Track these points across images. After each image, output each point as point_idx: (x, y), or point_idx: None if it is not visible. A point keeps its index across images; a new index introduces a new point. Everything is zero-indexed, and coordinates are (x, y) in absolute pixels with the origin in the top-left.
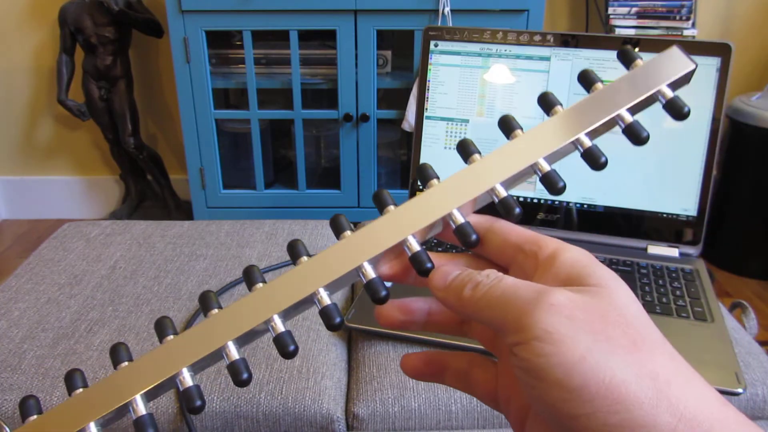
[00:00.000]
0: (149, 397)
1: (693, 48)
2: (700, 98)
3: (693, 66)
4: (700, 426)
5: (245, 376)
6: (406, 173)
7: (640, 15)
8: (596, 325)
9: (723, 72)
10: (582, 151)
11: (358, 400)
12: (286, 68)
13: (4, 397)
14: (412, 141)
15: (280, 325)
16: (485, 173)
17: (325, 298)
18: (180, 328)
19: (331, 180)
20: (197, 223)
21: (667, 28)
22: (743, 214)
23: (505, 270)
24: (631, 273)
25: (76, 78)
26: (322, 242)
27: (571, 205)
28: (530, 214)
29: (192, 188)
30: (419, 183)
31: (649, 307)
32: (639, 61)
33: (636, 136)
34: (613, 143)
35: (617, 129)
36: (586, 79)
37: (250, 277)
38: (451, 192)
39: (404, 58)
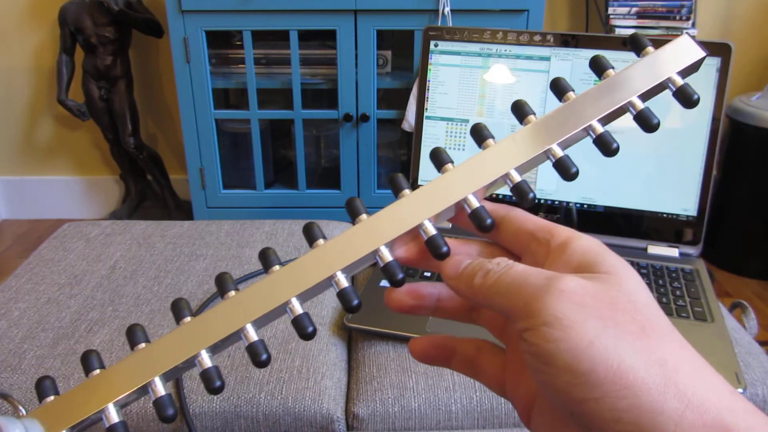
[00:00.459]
0: (168, 378)
1: None
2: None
3: (703, 54)
4: (707, 413)
5: (264, 357)
6: (406, 173)
7: (640, 15)
8: (605, 312)
9: (723, 72)
10: (594, 137)
11: (358, 400)
12: (286, 68)
13: None
14: (412, 141)
15: (298, 308)
16: (500, 159)
17: (343, 281)
18: None
19: (331, 180)
20: (197, 223)
21: (667, 28)
22: (743, 214)
23: (518, 258)
24: None
25: (76, 78)
26: None
27: (571, 205)
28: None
29: (192, 188)
30: (434, 166)
31: None
32: (650, 49)
33: (647, 122)
34: None
35: (615, 130)
36: (598, 66)
37: (267, 260)
38: (467, 177)
39: (404, 58)
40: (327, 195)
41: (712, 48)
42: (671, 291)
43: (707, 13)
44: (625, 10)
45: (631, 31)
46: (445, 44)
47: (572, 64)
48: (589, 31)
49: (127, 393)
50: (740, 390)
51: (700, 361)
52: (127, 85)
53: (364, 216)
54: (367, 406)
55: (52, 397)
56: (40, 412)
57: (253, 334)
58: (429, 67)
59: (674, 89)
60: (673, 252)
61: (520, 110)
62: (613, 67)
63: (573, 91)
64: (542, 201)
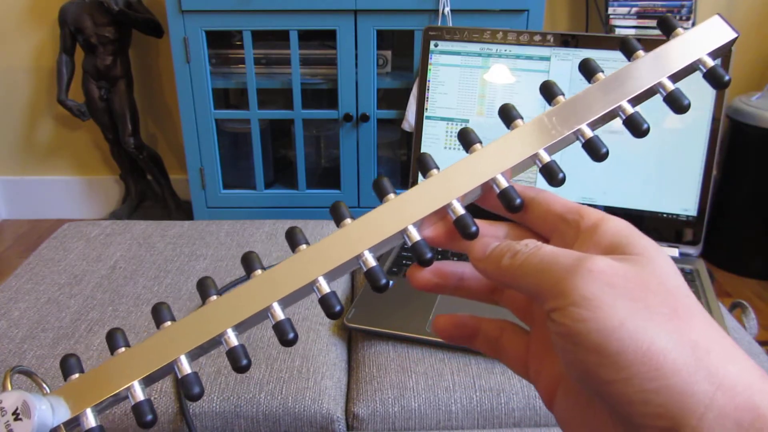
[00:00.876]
0: (193, 356)
1: None
2: (700, 98)
3: (734, 35)
4: (739, 395)
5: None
6: (406, 173)
7: (640, 15)
8: (636, 293)
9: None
10: (624, 118)
11: (358, 400)
12: (286, 68)
13: None
14: (412, 141)
15: (325, 287)
16: (529, 139)
17: (370, 260)
18: None
19: (331, 180)
20: (197, 223)
21: None
22: (743, 214)
23: (545, 240)
24: None
25: (76, 78)
26: None
27: None
28: None
29: (192, 188)
30: (462, 147)
31: None
32: (679, 30)
33: (678, 103)
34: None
35: (615, 130)
36: (627, 47)
37: (293, 239)
38: (495, 157)
39: (404, 58)
40: (327, 195)
41: None
42: None
43: (707, 13)
44: (625, 10)
45: (631, 32)
46: (445, 44)
47: (572, 64)
48: (589, 31)
49: (153, 371)
50: None
51: (731, 344)
52: (127, 85)
53: (391, 195)
54: (367, 406)
55: (76, 375)
56: (65, 389)
57: (280, 313)
58: (429, 67)
59: (705, 70)
60: (673, 252)
61: (549, 91)
62: (642, 48)
63: (602, 72)
64: None
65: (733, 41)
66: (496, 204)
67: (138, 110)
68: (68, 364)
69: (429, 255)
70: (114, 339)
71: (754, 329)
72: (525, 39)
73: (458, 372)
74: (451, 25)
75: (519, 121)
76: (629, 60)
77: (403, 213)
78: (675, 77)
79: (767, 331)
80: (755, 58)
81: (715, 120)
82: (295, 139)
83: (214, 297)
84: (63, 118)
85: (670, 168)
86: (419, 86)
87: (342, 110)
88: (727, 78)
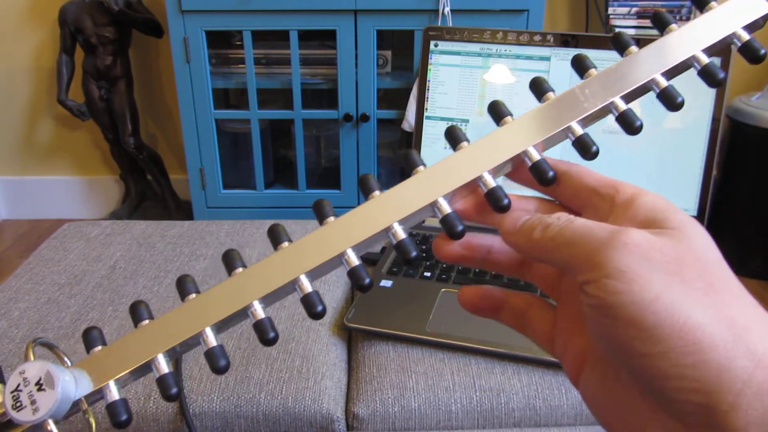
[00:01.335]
0: (219, 329)
1: None
2: (700, 98)
3: None
4: None
5: (320, 307)
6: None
7: (640, 15)
8: (672, 267)
9: (723, 72)
10: (658, 91)
11: (358, 400)
12: (286, 68)
13: None
14: (412, 141)
15: (353, 258)
16: (561, 112)
17: (400, 233)
18: None
19: (331, 180)
20: (197, 223)
21: None
22: (743, 214)
23: (576, 215)
24: None
25: (76, 78)
26: None
27: None
28: None
29: (192, 188)
30: (493, 119)
31: None
32: (713, 3)
33: (712, 77)
34: (613, 143)
35: (614, 130)
36: (661, 21)
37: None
38: (527, 129)
39: (404, 58)
40: (327, 195)
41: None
42: None
43: None
44: (625, 10)
45: (631, 31)
46: (445, 44)
47: None
48: (589, 31)
49: (178, 343)
50: None
51: None
52: (127, 85)
53: (421, 168)
54: (367, 406)
55: (99, 348)
56: (87, 362)
57: (308, 285)
58: (429, 67)
59: (739, 44)
60: None
61: (581, 65)
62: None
63: (635, 44)
64: None
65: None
66: (527, 177)
67: (138, 110)
68: (90, 337)
69: (461, 228)
70: (137, 311)
71: None
72: (525, 39)
73: (458, 372)
74: (451, 25)
75: (551, 94)
76: (662, 34)
77: (434, 186)
78: (709, 50)
79: None
80: None
81: (715, 120)
82: (295, 139)
83: (240, 268)
84: (63, 118)
85: (670, 168)
86: (419, 86)
87: (342, 110)
88: (762, 52)
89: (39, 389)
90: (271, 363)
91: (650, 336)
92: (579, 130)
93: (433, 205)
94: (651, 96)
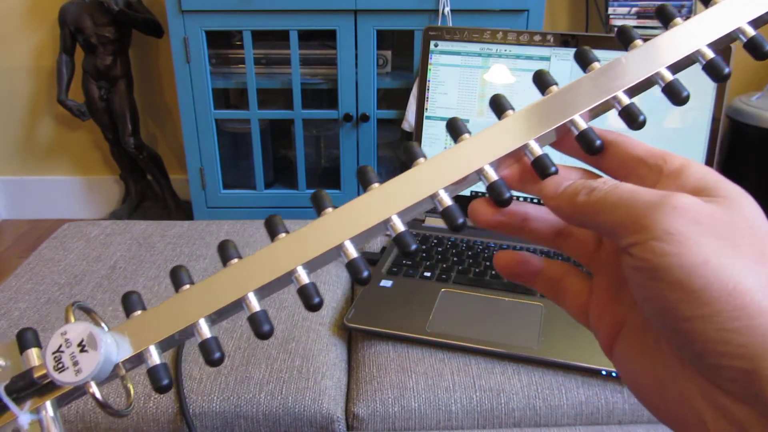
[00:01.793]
0: (262, 294)
1: None
2: (700, 98)
3: None
4: None
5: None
6: None
7: (640, 15)
8: (722, 232)
9: (728, 66)
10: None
11: (358, 400)
12: (286, 68)
13: None
14: (411, 141)
15: (399, 225)
16: (608, 83)
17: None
18: None
19: (331, 180)
20: (197, 223)
21: None
22: None
23: None
24: None
25: (76, 78)
26: None
27: None
28: None
29: (192, 188)
30: (538, 89)
31: None
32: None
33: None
34: None
35: (613, 127)
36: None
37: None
38: (573, 99)
39: (404, 58)
40: None
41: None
42: None
43: None
44: (625, 10)
45: None
46: (445, 44)
47: (572, 64)
48: (589, 31)
49: (220, 307)
50: None
51: None
52: (127, 85)
53: (466, 135)
54: (367, 406)
55: (138, 312)
56: (127, 325)
57: (354, 250)
58: (429, 67)
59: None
60: None
61: (626, 35)
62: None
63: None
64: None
65: None
66: (573, 146)
67: (138, 110)
68: (130, 301)
69: (508, 195)
70: (178, 276)
71: None
72: (525, 39)
73: (458, 372)
74: (451, 25)
75: (596, 64)
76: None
77: (479, 153)
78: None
79: None
80: None
81: (715, 120)
82: (295, 139)
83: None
84: (63, 118)
85: None
86: (419, 86)
87: (342, 110)
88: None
89: (82, 350)
90: (271, 363)
91: (697, 298)
92: (626, 100)
93: (480, 173)
94: (651, 96)
